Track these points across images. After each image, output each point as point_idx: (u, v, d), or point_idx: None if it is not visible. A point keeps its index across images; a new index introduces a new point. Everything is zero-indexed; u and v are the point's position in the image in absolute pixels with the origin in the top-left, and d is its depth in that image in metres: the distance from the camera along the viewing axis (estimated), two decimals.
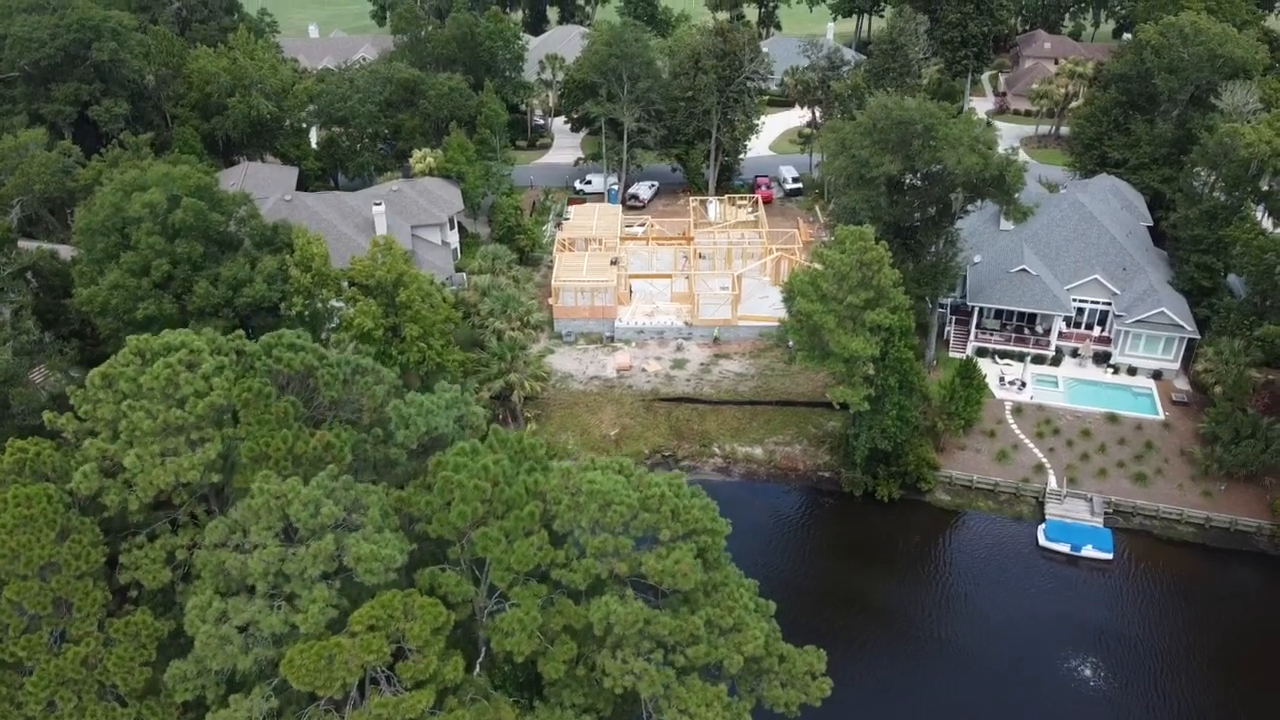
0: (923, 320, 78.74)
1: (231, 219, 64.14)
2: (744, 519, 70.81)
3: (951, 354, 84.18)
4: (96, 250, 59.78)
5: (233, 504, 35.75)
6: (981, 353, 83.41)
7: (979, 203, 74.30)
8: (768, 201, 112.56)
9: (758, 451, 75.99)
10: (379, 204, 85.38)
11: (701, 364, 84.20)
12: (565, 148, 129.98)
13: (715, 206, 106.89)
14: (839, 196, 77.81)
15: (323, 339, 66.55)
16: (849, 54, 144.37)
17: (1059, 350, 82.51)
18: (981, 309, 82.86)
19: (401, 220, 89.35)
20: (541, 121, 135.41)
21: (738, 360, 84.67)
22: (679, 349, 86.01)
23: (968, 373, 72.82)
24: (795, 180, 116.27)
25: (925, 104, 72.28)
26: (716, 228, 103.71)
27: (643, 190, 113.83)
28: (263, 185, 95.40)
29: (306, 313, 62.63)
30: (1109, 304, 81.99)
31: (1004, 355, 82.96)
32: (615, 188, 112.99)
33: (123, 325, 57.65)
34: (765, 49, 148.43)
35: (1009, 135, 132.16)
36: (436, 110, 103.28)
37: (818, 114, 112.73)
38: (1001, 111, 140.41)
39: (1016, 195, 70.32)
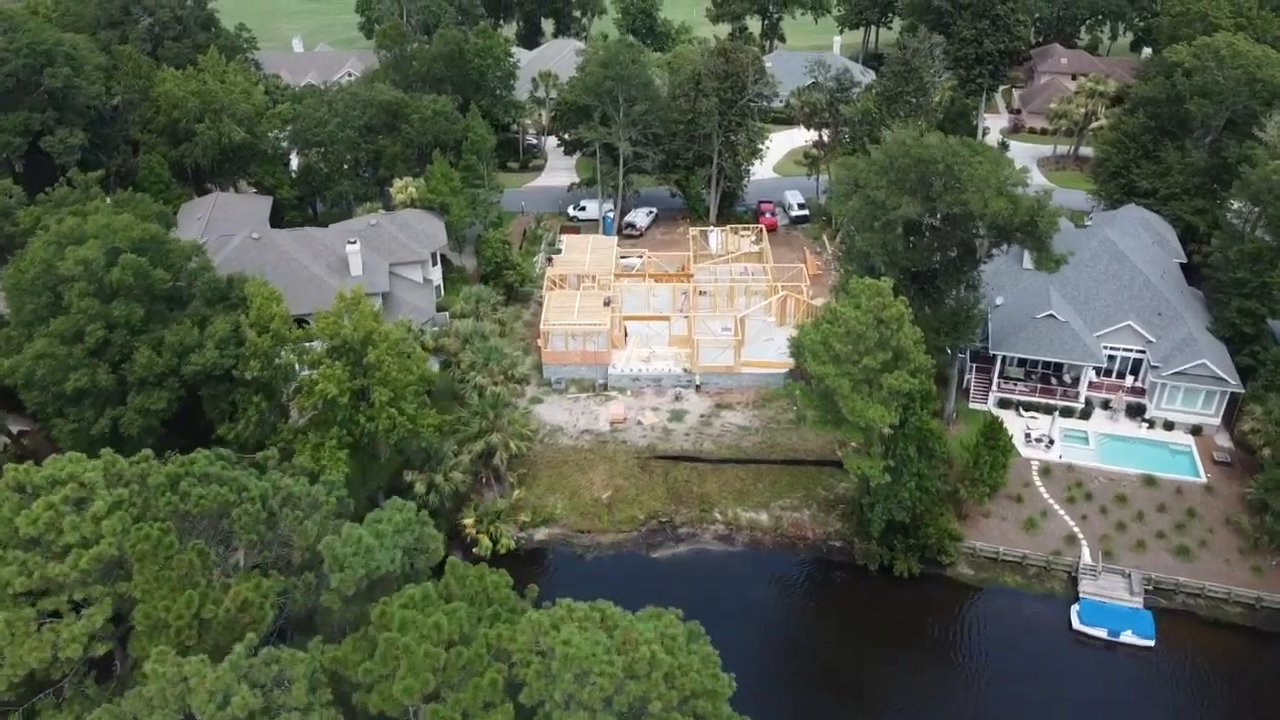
0: (943, 371, 72.43)
1: (181, 273, 57.85)
2: (748, 595, 64.94)
3: (972, 405, 77.88)
4: (25, 312, 53.62)
5: (132, 669, 29.56)
6: (1004, 404, 77.10)
7: (1005, 246, 68.02)
8: (772, 229, 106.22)
9: (763, 518, 69.69)
10: (353, 242, 79.11)
11: (702, 415, 77.88)
12: (559, 169, 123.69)
13: (716, 236, 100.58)
14: (850, 240, 71.45)
15: (284, 403, 60.44)
16: (857, 70, 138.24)
17: (1089, 402, 76.17)
18: (1004, 358, 76.55)
19: (379, 258, 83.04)
20: (534, 141, 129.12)
21: (740, 411, 78.36)
22: (677, 398, 79.70)
23: (992, 434, 66.51)
24: (801, 206, 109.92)
25: (947, 140, 65.97)
26: (717, 260, 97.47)
27: (639, 218, 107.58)
28: (232, 217, 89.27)
29: (265, 377, 56.37)
30: (1143, 352, 75.70)
31: (1029, 407, 76.60)
32: (610, 215, 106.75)
33: (51, 399, 51.42)
34: (769, 64, 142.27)
35: (1024, 156, 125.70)
36: (420, 135, 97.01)
37: (825, 136, 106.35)
38: (1016, 130, 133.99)
39: (1049, 241, 63.93)
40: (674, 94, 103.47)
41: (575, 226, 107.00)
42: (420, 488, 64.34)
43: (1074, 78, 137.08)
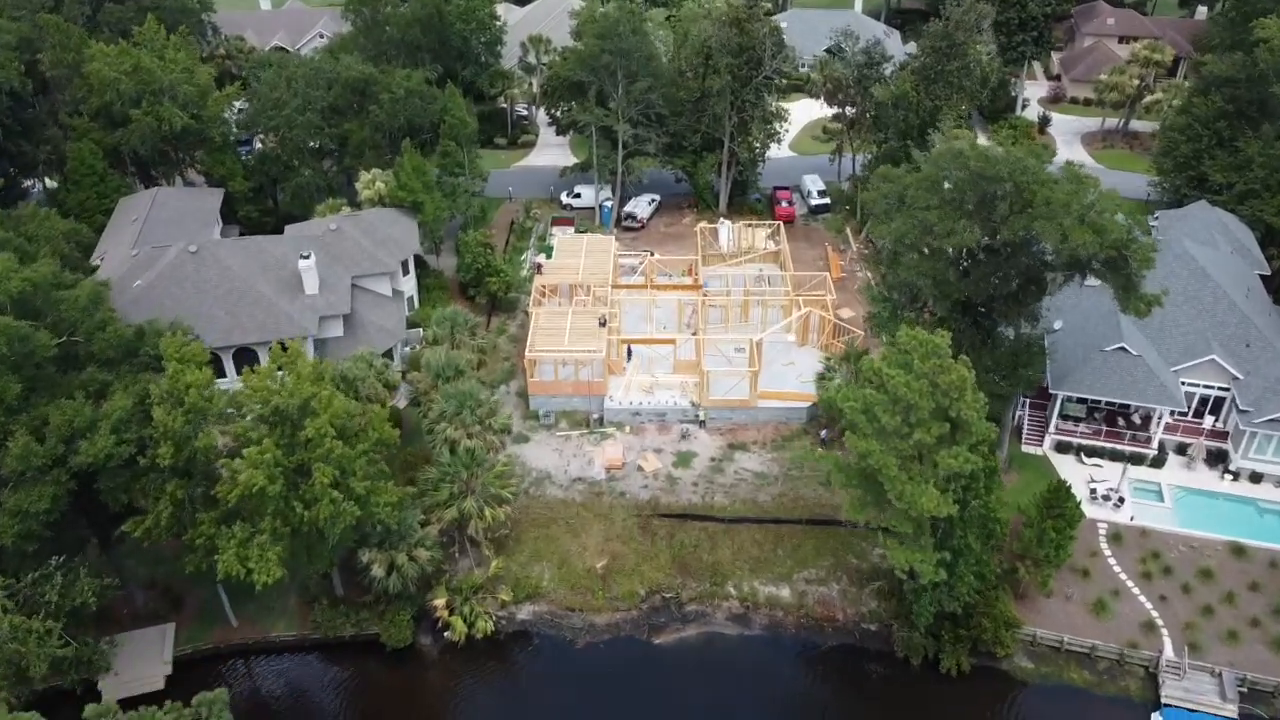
0: (998, 418, 61.67)
1: (78, 328, 46.90)
2: (767, 691, 55.01)
3: (1025, 447, 67.44)
4: None
5: None
6: (1062, 448, 66.68)
7: (1080, 279, 56.77)
8: (789, 220, 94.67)
9: (784, 593, 59.50)
10: (307, 256, 67.82)
11: (712, 459, 67.41)
12: (551, 145, 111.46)
13: (727, 231, 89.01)
14: (891, 263, 60.26)
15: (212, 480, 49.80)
16: (881, 31, 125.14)
17: (1162, 447, 65.68)
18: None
19: (340, 270, 71.77)
20: (524, 113, 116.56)
21: (757, 453, 67.84)
22: (684, 436, 69.16)
23: (1057, 501, 55.95)
24: (821, 194, 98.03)
25: (1012, 151, 54.42)
26: (729, 259, 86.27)
27: (641, 207, 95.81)
28: (174, 218, 77.88)
29: (179, 462, 45.78)
30: (1227, 389, 64.97)
31: (1091, 453, 66.13)
32: (608, 204, 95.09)
33: None
34: (783, 23, 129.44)
35: (1067, 130, 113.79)
36: (390, 118, 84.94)
37: (849, 111, 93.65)
38: (1056, 100, 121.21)
39: (1140, 280, 52.72)
40: (680, 68, 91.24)
41: (569, 218, 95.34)
42: (379, 570, 54.17)
43: (1121, 40, 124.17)
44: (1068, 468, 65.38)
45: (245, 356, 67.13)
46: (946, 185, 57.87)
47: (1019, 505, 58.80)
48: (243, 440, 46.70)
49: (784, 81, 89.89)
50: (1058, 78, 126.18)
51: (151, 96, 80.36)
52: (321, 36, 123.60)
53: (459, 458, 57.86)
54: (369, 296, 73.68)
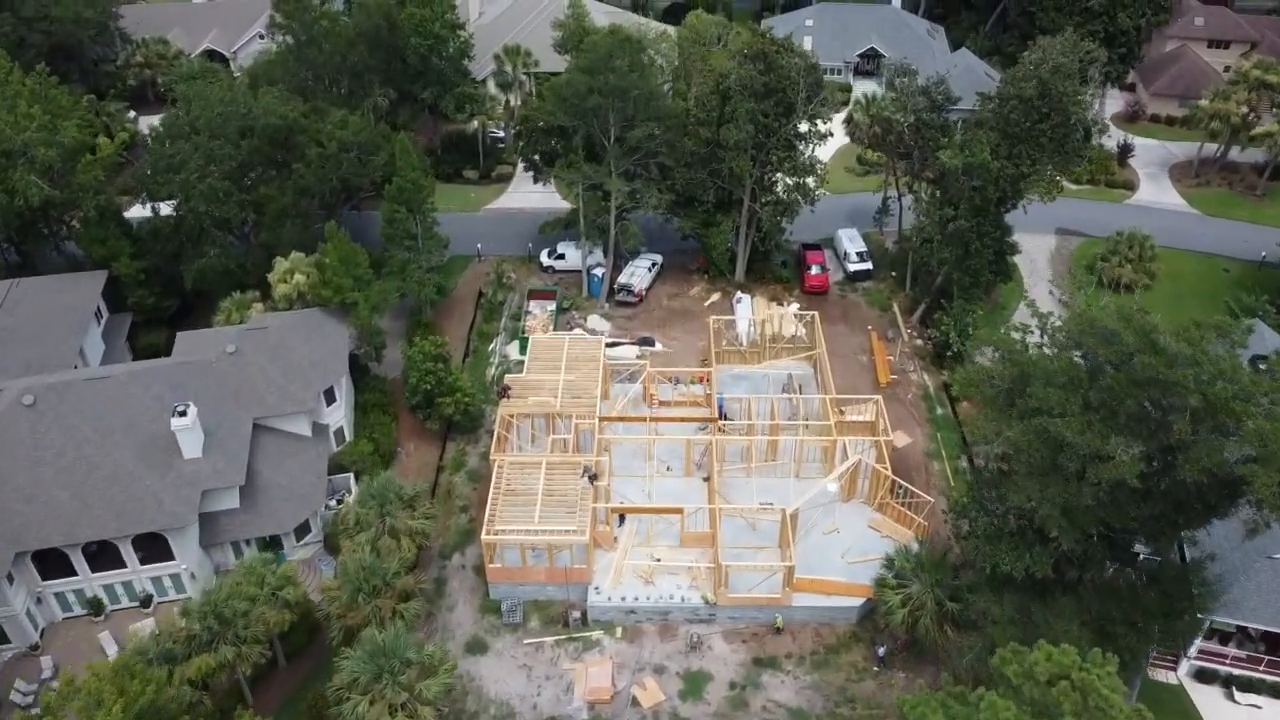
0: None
1: None
2: None
3: (1154, 673, 50.13)
4: None
5: None
6: (1206, 676, 49.48)
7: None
8: (822, 291, 76.70)
9: None
10: (183, 412, 49.90)
11: (731, 684, 50.17)
12: (531, 179, 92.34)
13: (746, 319, 70.69)
14: (991, 479, 42.46)
15: None
16: (930, 37, 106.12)
17: None
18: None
19: (237, 412, 53.94)
20: (498, 133, 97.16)
21: (791, 674, 50.57)
22: (693, 646, 51.86)
23: None
24: (861, 256, 79.48)
25: (1201, 344, 36.18)
26: (748, 356, 68.35)
27: (639, 276, 77.22)
28: (35, 321, 60.36)
29: None
30: None
31: (1246, 686, 48.96)
32: (599, 271, 76.72)
33: None
34: (809, 21, 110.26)
35: (1151, 159, 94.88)
36: (320, 182, 66.41)
37: (901, 162, 74.55)
38: (1134, 119, 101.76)
39: None
40: (688, 109, 72.24)
41: (550, 290, 77.00)
42: None
43: (1210, 45, 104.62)
44: (1214, 707, 48.40)
45: (106, 548, 49.87)
46: (1078, 357, 40.19)
47: None
48: None
49: (823, 127, 70.50)
50: (1133, 88, 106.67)
51: (3, 159, 61.82)
52: (261, 37, 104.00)
53: None
54: (278, 441, 55.82)
